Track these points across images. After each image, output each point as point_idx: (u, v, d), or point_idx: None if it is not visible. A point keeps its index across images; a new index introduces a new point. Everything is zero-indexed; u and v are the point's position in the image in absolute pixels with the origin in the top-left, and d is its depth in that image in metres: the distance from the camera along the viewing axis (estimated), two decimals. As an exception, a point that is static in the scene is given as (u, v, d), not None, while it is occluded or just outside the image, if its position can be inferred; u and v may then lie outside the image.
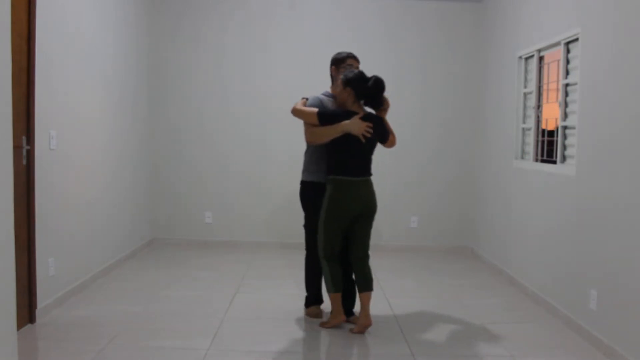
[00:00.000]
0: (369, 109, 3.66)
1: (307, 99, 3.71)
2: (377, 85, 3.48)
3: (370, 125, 3.45)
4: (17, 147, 3.19)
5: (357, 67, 3.72)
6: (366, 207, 3.53)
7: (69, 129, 4.00)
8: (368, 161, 3.58)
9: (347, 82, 3.48)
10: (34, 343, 3.25)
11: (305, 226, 3.80)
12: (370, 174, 3.58)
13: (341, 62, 3.75)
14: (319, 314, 3.80)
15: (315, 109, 3.52)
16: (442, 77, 5.95)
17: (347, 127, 3.41)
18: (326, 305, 3.85)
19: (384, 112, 3.65)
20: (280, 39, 5.90)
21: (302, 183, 3.78)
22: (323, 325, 3.61)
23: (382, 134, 3.59)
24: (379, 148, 3.66)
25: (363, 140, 3.44)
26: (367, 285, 3.54)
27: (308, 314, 3.82)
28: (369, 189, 3.55)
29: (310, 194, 3.70)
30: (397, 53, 5.90)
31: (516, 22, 4.90)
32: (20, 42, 3.31)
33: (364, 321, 3.50)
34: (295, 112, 3.59)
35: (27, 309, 3.44)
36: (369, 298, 3.53)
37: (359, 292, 3.56)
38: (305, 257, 3.88)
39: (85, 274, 4.29)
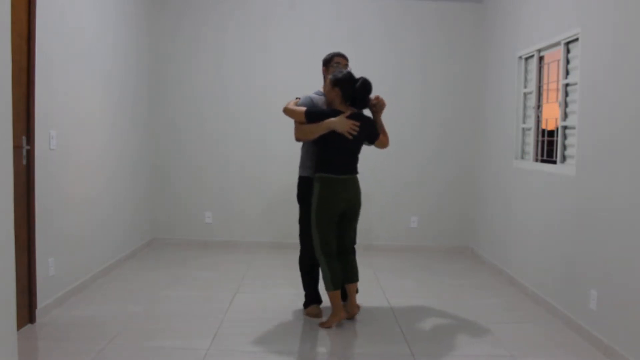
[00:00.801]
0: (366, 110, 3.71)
1: (299, 98, 3.79)
2: (364, 86, 3.55)
3: (356, 123, 3.52)
4: (17, 147, 3.19)
5: (345, 65, 3.83)
6: (352, 204, 3.65)
7: (69, 129, 4.00)
8: (354, 159, 3.66)
9: (335, 83, 3.56)
10: (34, 343, 3.25)
11: (300, 221, 3.85)
12: (356, 172, 3.67)
13: (329, 62, 3.86)
14: (318, 314, 3.80)
15: (304, 108, 3.60)
16: (442, 77, 5.95)
17: (332, 125, 3.50)
18: (326, 303, 3.85)
19: (379, 111, 3.70)
20: (280, 39, 5.90)
21: (300, 178, 3.85)
22: (323, 325, 3.62)
23: (370, 134, 3.66)
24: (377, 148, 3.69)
25: (349, 137, 3.51)
26: (353, 276, 3.71)
27: (307, 313, 3.83)
28: (354, 186, 3.65)
29: (305, 188, 3.77)
30: (397, 53, 5.90)
31: (516, 22, 4.90)
32: (20, 42, 3.31)
33: (351, 309, 3.70)
34: (286, 111, 3.68)
35: (27, 309, 3.44)
36: (355, 287, 3.73)
37: (346, 282, 3.69)
38: (299, 256, 3.91)
39: (85, 274, 4.29)
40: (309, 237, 3.71)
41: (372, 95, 3.66)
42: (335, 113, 3.54)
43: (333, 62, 3.82)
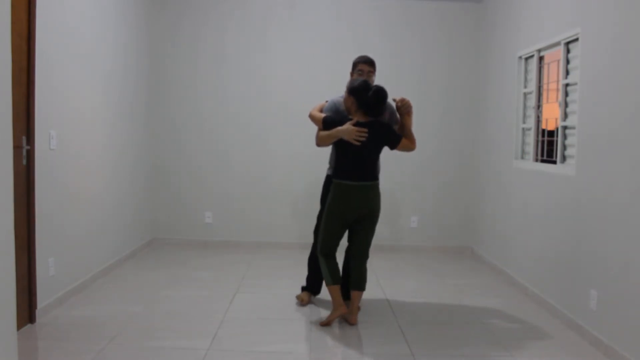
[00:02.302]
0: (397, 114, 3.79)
1: (328, 101, 3.90)
2: (377, 95, 3.55)
3: (363, 130, 3.52)
4: (17, 147, 3.19)
5: (369, 72, 3.82)
6: (365, 211, 3.63)
7: (69, 129, 4.00)
8: (369, 166, 3.63)
9: (350, 92, 3.60)
10: (34, 343, 3.25)
11: (318, 217, 3.99)
12: (372, 179, 3.63)
13: (354, 68, 3.90)
14: (304, 300, 4.00)
15: (323, 115, 3.71)
16: (442, 77, 5.95)
17: (340, 133, 3.56)
18: (326, 301, 3.85)
19: (405, 114, 3.69)
20: (280, 38, 5.90)
21: (326, 177, 4.01)
22: (322, 323, 3.64)
23: (388, 140, 3.64)
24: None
25: (357, 144, 3.52)
26: (359, 284, 3.71)
27: (297, 296, 4.04)
28: (369, 193, 3.62)
29: (328, 187, 3.86)
30: (397, 53, 5.90)
31: (516, 22, 4.90)
32: (20, 42, 3.31)
33: (349, 317, 3.69)
34: (310, 117, 3.80)
35: (27, 309, 3.44)
36: (358, 297, 3.72)
37: (351, 289, 3.73)
38: (312, 245, 4.09)
39: (85, 274, 4.29)
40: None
41: (397, 97, 3.69)
42: (349, 120, 3.60)
43: (357, 69, 3.86)
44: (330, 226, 3.67)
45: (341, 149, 3.61)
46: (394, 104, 3.74)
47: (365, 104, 3.55)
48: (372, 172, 3.63)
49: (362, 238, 3.69)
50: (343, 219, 3.64)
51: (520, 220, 4.66)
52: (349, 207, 3.60)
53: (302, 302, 4.01)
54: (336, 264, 3.71)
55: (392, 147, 3.67)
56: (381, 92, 3.55)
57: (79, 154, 4.17)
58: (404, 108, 3.66)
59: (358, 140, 3.51)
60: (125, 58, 5.14)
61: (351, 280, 3.73)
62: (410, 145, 3.71)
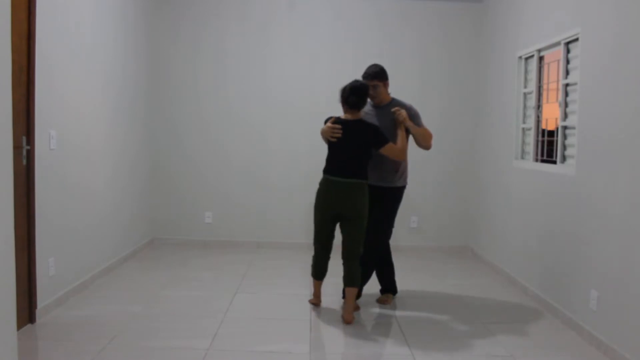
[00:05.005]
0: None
1: None
2: (352, 90, 3.68)
3: (336, 127, 3.66)
4: (17, 147, 3.19)
5: (374, 86, 3.86)
6: (345, 209, 3.69)
7: (69, 129, 4.00)
8: (349, 163, 3.68)
9: (340, 93, 3.76)
10: (34, 343, 3.25)
11: None
12: (355, 177, 3.66)
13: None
14: (387, 301, 4.17)
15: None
16: (441, 77, 5.95)
17: (321, 133, 3.76)
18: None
19: (400, 123, 3.81)
20: (280, 38, 5.89)
21: None
22: (310, 300, 4.04)
23: (370, 140, 3.69)
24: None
25: (333, 140, 3.68)
26: (349, 281, 3.75)
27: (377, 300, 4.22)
28: (349, 191, 3.67)
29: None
30: (397, 53, 5.90)
31: (516, 22, 4.90)
32: (20, 42, 3.31)
33: (344, 315, 3.72)
34: None
35: (27, 309, 3.44)
36: (351, 293, 3.73)
37: (344, 285, 3.79)
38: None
39: (85, 274, 4.29)
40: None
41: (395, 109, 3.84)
42: (338, 121, 3.73)
43: None
44: (316, 218, 3.83)
45: (329, 146, 3.77)
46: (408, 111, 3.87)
47: (343, 100, 3.70)
48: (352, 170, 3.66)
49: (347, 237, 3.73)
50: (325, 212, 3.76)
51: (521, 220, 4.66)
52: (326, 201, 3.73)
53: (384, 302, 4.18)
54: (325, 260, 3.87)
55: (376, 148, 3.72)
56: (355, 87, 3.68)
57: (78, 154, 4.17)
58: (399, 119, 3.80)
59: (334, 137, 3.67)
60: (125, 58, 5.13)
61: (344, 277, 3.76)
62: (398, 154, 3.75)
